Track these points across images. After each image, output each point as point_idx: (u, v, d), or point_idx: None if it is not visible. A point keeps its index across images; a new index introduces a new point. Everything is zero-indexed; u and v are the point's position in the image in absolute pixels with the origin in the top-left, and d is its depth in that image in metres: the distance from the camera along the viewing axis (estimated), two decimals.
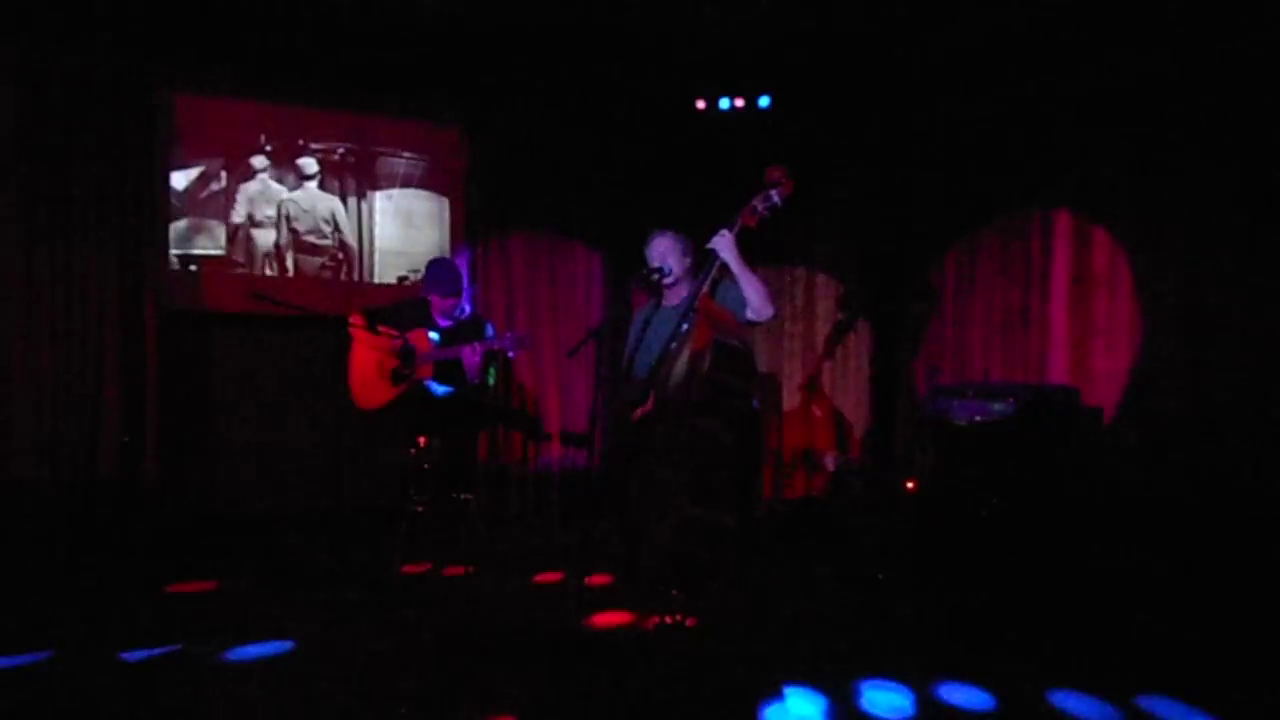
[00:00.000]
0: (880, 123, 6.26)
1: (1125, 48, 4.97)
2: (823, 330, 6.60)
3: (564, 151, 6.34)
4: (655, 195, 6.35)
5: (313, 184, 5.79)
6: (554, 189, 6.33)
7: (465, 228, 6.20)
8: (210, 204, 5.59)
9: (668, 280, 3.75)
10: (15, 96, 4.99)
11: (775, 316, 3.63)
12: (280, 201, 5.73)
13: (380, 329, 4.43)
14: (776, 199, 3.50)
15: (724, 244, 3.48)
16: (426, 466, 4.54)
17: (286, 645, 3.26)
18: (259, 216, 5.70)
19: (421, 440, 4.57)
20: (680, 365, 3.46)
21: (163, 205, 5.43)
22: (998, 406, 4.65)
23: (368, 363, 4.52)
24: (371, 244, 6.02)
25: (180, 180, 5.50)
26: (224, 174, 5.61)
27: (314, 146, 5.82)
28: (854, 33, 5.11)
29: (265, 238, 5.71)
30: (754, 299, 3.49)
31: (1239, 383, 4.64)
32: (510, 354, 4.46)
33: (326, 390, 5.63)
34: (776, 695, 2.84)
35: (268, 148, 5.72)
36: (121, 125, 5.21)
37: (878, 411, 6.37)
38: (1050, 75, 5.35)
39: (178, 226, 5.52)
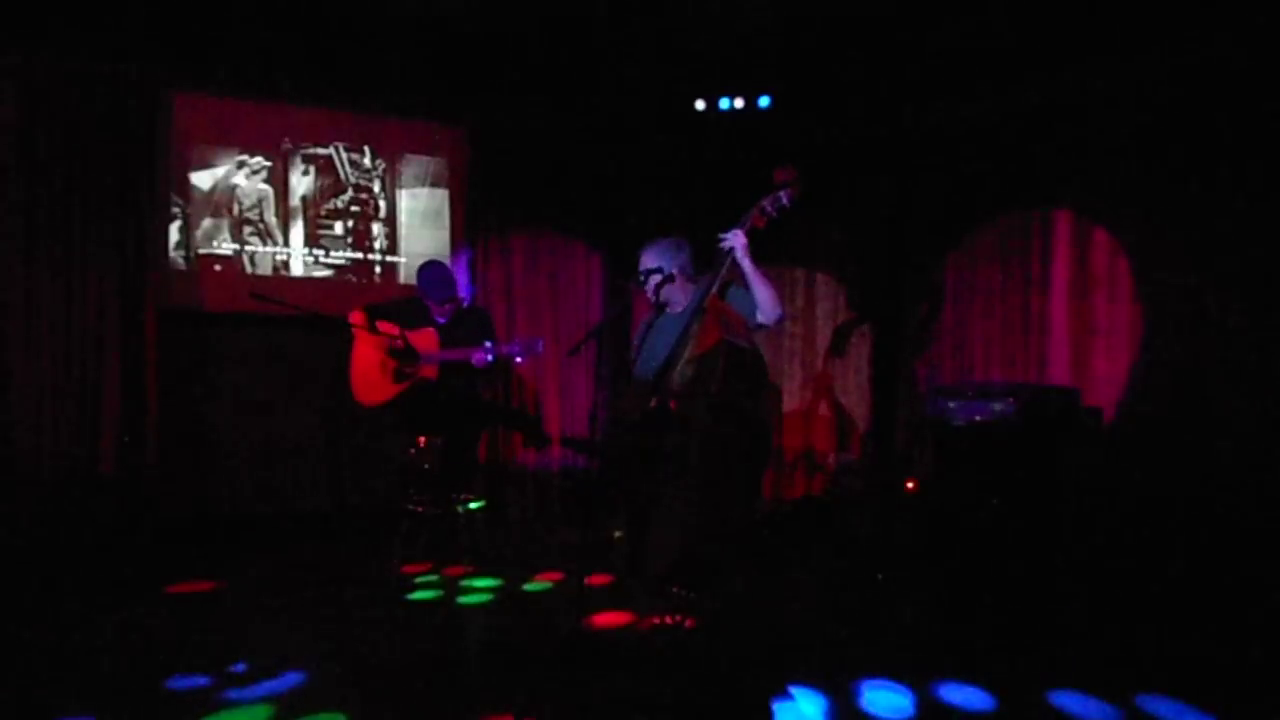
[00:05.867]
0: (880, 123, 6.26)
1: (1126, 48, 4.97)
2: (823, 330, 6.60)
3: (564, 151, 6.34)
4: (655, 195, 6.36)
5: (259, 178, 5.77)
6: (554, 189, 6.33)
7: (465, 228, 6.20)
8: (219, 204, 5.60)
9: (670, 276, 3.70)
10: (16, 96, 4.99)
11: (784, 319, 3.61)
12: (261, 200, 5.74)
13: (380, 326, 4.43)
14: (785, 200, 3.46)
15: (738, 243, 3.43)
16: (426, 466, 4.54)
17: (297, 678, 3.00)
18: (254, 216, 5.71)
19: (421, 440, 4.57)
20: (689, 367, 3.42)
21: (164, 205, 5.44)
22: (998, 406, 4.65)
23: (369, 360, 4.52)
24: (395, 245, 6.05)
25: (194, 180, 5.52)
26: (224, 174, 5.61)
27: (315, 147, 5.82)
28: (854, 32, 5.11)
29: (263, 238, 5.72)
30: (765, 301, 3.45)
31: (1239, 383, 4.64)
32: (518, 358, 4.48)
33: (326, 390, 5.64)
34: (785, 696, 2.83)
35: (286, 145, 5.74)
36: (122, 125, 5.21)
37: (878, 411, 6.37)
38: (1051, 75, 5.34)
39: (202, 226, 5.56)
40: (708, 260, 3.62)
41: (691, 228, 4.01)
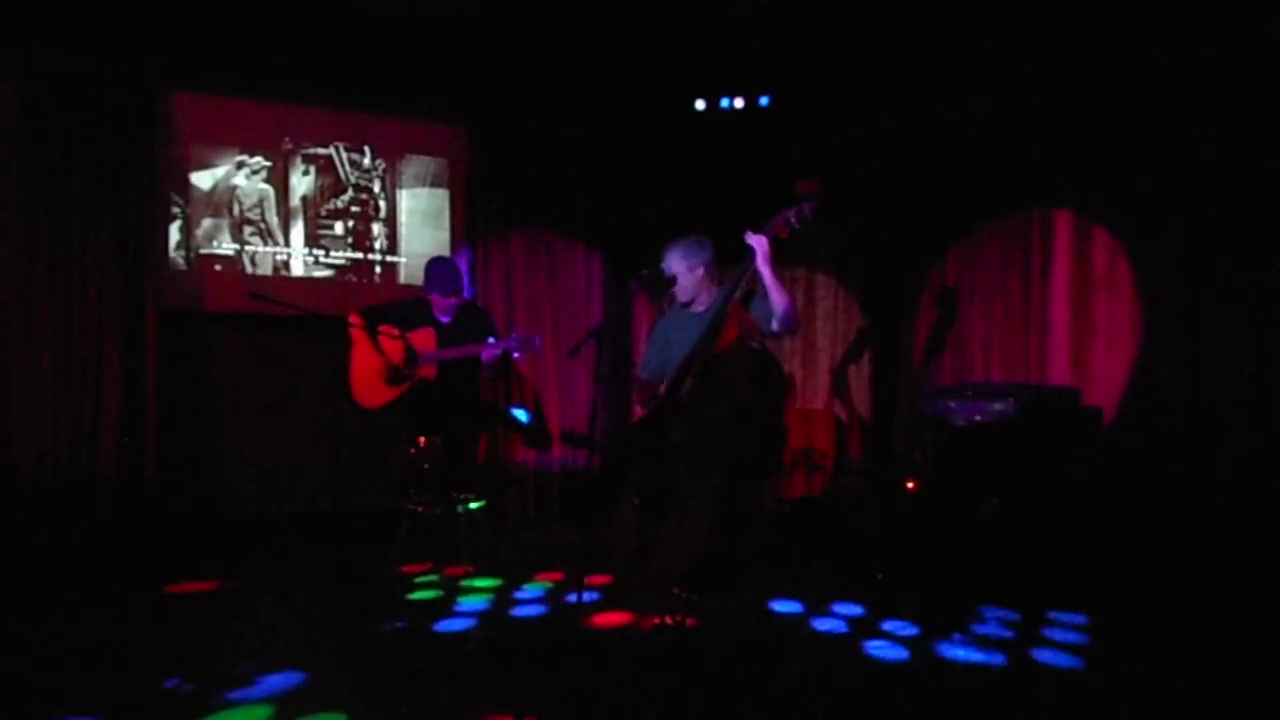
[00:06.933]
0: (881, 123, 6.26)
1: (1125, 48, 4.97)
2: (823, 330, 6.60)
3: (564, 151, 6.34)
4: (655, 195, 6.35)
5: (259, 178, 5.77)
6: (554, 189, 6.33)
7: (465, 228, 6.20)
8: (219, 204, 5.60)
9: (679, 285, 3.68)
10: (15, 96, 4.99)
11: (798, 328, 3.57)
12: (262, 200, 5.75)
13: (380, 328, 4.44)
14: (808, 212, 3.45)
15: (761, 248, 3.40)
16: (426, 466, 4.54)
17: (297, 678, 3.00)
18: (255, 216, 5.71)
19: (421, 440, 4.57)
20: (708, 366, 3.41)
21: (164, 205, 5.43)
22: (998, 406, 4.65)
23: (368, 362, 4.53)
24: (395, 245, 6.06)
25: (194, 180, 5.51)
26: (224, 174, 5.61)
27: (315, 147, 5.82)
28: (855, 33, 5.11)
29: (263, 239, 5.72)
30: (782, 309, 3.43)
31: (1239, 383, 4.64)
32: (515, 354, 4.49)
33: (326, 390, 5.62)
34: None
35: (287, 145, 5.74)
36: (122, 125, 5.21)
37: (878, 411, 6.37)
38: (1051, 75, 5.35)
39: (202, 226, 5.55)
40: (724, 259, 3.62)
41: (692, 228, 4.00)
